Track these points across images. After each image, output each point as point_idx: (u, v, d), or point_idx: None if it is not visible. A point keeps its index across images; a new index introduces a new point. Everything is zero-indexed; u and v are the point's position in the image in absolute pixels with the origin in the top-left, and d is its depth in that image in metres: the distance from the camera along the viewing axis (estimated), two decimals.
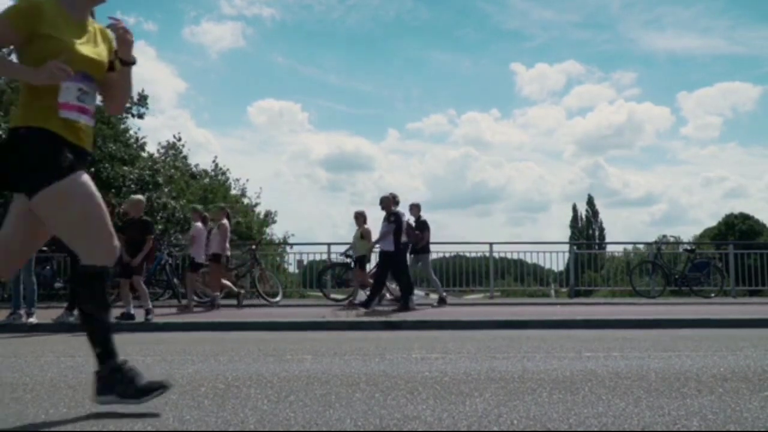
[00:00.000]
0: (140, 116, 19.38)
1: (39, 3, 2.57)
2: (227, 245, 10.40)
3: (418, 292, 11.47)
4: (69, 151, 2.56)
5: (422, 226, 10.68)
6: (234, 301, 10.61)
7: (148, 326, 7.59)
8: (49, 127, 2.54)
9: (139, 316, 7.88)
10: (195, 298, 11.20)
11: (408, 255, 10.48)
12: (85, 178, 2.58)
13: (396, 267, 9.74)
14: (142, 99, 19.27)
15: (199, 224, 10.17)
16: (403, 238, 9.86)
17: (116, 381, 2.62)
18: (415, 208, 10.81)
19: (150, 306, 7.99)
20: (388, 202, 9.90)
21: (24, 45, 2.57)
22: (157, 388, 2.67)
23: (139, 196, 8.88)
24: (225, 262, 10.48)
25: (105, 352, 2.62)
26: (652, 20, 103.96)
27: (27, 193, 2.52)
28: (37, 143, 2.52)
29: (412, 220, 10.46)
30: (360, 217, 10.97)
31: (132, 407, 2.65)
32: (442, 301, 10.68)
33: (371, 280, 10.37)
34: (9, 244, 2.66)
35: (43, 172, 2.48)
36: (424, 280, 12.52)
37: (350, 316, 8.34)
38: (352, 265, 12.20)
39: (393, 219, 9.64)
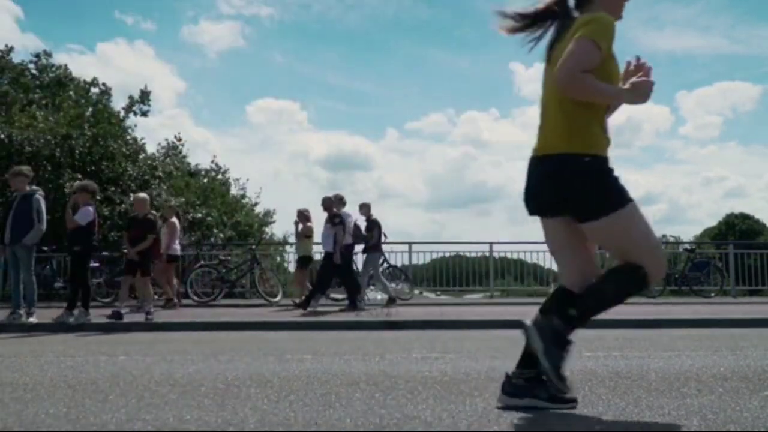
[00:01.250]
0: (144, 114, 19.38)
1: (613, 20, 2.53)
2: (175, 244, 10.44)
3: (428, 294, 11.50)
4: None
5: (372, 225, 10.71)
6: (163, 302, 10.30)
7: (148, 326, 7.59)
8: (603, 154, 2.58)
9: (140, 316, 7.89)
10: (195, 297, 11.23)
11: (358, 255, 10.50)
12: (636, 204, 2.59)
13: (339, 268, 9.73)
14: (144, 96, 19.23)
15: (174, 219, 10.46)
16: (349, 239, 9.86)
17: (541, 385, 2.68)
18: (365, 208, 10.85)
19: (151, 308, 7.99)
20: (330, 203, 9.93)
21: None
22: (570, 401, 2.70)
23: (144, 194, 8.91)
24: (173, 261, 10.44)
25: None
26: (651, 19, 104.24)
27: (582, 217, 2.58)
28: (603, 172, 2.55)
29: (360, 220, 10.42)
30: (302, 216, 10.99)
31: (133, 405, 2.65)
32: (391, 301, 10.54)
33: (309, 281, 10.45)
34: (581, 266, 2.75)
35: (610, 200, 2.52)
36: (425, 279, 12.51)
37: (294, 315, 8.41)
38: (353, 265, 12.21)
39: (337, 221, 9.65)
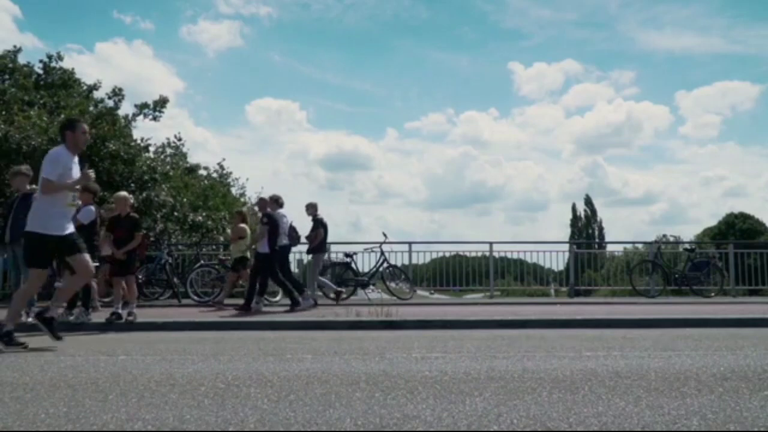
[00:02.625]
0: (155, 119, 19.44)
1: None
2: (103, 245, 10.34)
3: (422, 292, 11.50)
4: None
5: (317, 225, 10.73)
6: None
7: (148, 326, 7.59)
8: None
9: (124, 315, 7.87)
10: (195, 297, 11.22)
11: (294, 255, 10.74)
12: None
13: (271, 269, 9.72)
14: (161, 102, 19.34)
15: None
16: (284, 240, 9.90)
17: None
18: (311, 208, 10.90)
19: (134, 308, 7.95)
20: (264, 204, 9.95)
21: None
22: None
23: (124, 193, 8.80)
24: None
25: None
26: (651, 19, 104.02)
27: None
28: None
29: (293, 221, 10.42)
30: (238, 217, 10.94)
31: (133, 405, 2.65)
32: (337, 295, 10.54)
33: (242, 283, 10.46)
34: None
35: None
36: (425, 279, 12.50)
37: (227, 317, 8.39)
38: (353, 264, 12.22)
39: (266, 221, 9.67)
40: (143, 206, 15.07)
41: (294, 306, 9.56)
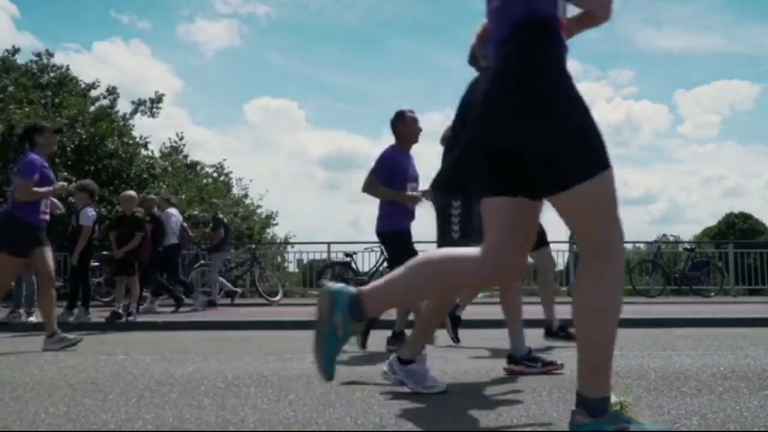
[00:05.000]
0: (152, 115, 19.43)
1: None
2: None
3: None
4: None
5: (216, 225, 10.77)
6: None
7: (148, 326, 7.59)
8: None
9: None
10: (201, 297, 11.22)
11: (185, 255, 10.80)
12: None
13: (160, 269, 9.90)
14: (158, 99, 19.32)
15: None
16: (173, 240, 9.97)
17: None
18: (215, 207, 10.90)
19: (134, 309, 7.96)
20: (150, 204, 10.00)
21: None
22: None
23: (132, 192, 8.88)
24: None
25: None
26: (650, 18, 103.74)
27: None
28: None
29: (179, 220, 10.42)
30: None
31: (133, 404, 2.64)
32: (210, 304, 10.44)
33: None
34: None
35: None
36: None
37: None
38: (353, 264, 12.24)
39: (148, 219, 9.70)
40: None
41: (178, 305, 9.78)
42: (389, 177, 5.12)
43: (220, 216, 10.84)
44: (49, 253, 5.55)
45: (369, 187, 5.21)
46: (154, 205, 9.86)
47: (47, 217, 5.66)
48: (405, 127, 5.24)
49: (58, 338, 5.39)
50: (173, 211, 10.15)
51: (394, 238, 5.17)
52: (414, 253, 4.72)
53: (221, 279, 11.22)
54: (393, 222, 5.15)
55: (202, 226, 15.70)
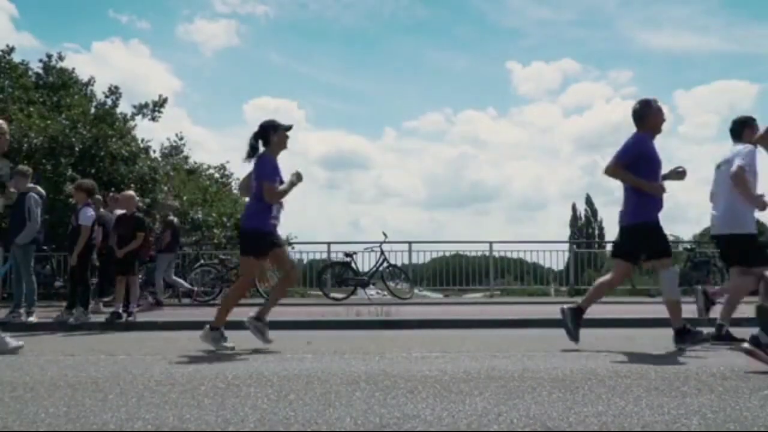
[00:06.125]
0: (153, 119, 19.40)
1: None
2: None
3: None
4: None
5: (166, 226, 10.73)
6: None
7: (148, 326, 7.59)
8: None
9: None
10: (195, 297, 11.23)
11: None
12: None
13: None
14: (161, 102, 19.29)
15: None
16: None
17: None
18: (166, 207, 10.89)
19: (134, 309, 7.95)
20: (99, 204, 9.88)
21: None
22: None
23: (131, 192, 8.86)
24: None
25: None
26: (649, 18, 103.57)
27: None
28: None
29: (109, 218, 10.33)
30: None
31: (133, 404, 2.64)
32: (157, 304, 10.29)
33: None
34: None
35: None
36: (425, 279, 12.37)
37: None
38: (353, 264, 12.24)
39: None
40: (150, 208, 15.08)
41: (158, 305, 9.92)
42: (644, 164, 5.21)
43: (171, 218, 10.79)
44: None
45: (616, 173, 5.24)
46: (101, 205, 9.61)
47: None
48: (654, 116, 5.38)
49: None
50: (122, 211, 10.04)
51: (649, 230, 5.17)
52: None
53: (178, 279, 11.13)
54: (644, 213, 5.16)
55: (205, 229, 15.70)
